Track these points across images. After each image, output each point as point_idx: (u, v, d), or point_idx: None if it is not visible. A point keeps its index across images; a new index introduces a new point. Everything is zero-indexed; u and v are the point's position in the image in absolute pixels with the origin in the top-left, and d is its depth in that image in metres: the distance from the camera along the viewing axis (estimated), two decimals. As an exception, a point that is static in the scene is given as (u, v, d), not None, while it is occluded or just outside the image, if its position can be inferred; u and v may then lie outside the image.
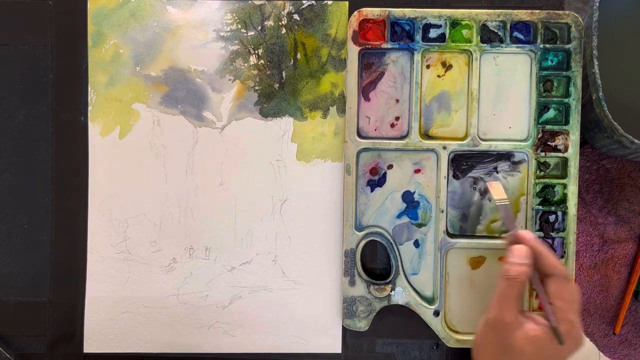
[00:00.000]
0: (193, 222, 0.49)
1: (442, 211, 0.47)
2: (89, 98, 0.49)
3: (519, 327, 0.40)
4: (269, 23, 0.48)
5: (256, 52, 0.48)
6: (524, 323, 0.40)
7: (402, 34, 0.47)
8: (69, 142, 0.49)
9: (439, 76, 0.48)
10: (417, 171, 0.48)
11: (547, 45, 0.47)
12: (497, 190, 0.45)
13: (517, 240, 0.42)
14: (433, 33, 0.47)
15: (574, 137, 0.47)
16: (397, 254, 0.48)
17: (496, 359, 0.41)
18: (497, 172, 0.48)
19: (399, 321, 0.49)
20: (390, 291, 0.48)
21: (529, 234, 0.42)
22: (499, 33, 0.47)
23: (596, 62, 0.43)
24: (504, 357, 0.40)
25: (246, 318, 0.49)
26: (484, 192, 0.48)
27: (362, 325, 0.48)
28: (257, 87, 0.49)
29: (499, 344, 0.40)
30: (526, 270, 0.41)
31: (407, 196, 0.48)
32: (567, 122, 0.47)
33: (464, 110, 0.48)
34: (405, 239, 0.48)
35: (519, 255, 0.41)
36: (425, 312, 0.48)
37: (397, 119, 0.48)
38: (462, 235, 0.48)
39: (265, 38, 0.48)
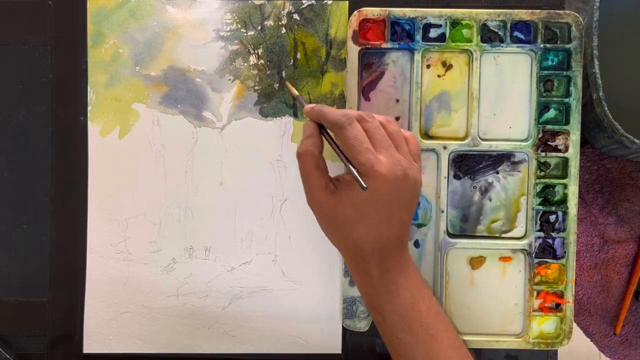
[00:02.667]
0: (193, 222, 0.49)
1: (443, 211, 0.47)
2: (89, 98, 0.48)
3: (332, 197, 0.38)
4: (269, 23, 0.48)
5: (256, 52, 0.48)
6: (335, 191, 0.38)
7: (402, 34, 0.47)
8: (69, 142, 0.49)
9: (439, 76, 0.48)
10: (417, 171, 0.48)
11: (548, 45, 0.47)
12: (291, 88, 0.46)
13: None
14: (433, 33, 0.47)
15: (575, 137, 0.47)
16: (397, 254, 0.48)
17: (335, 236, 0.40)
18: (498, 172, 0.48)
19: (399, 321, 0.49)
20: (390, 291, 0.48)
21: (308, 107, 0.40)
22: (499, 33, 0.47)
23: (596, 62, 0.43)
24: (338, 231, 0.39)
25: (246, 318, 0.49)
26: (484, 192, 0.48)
27: (362, 325, 0.48)
28: (257, 87, 0.48)
29: (327, 221, 0.39)
30: (311, 142, 0.39)
31: (407, 196, 0.48)
32: (567, 122, 0.47)
33: (464, 110, 0.48)
34: (406, 239, 0.48)
35: (304, 131, 0.40)
36: (426, 312, 0.47)
37: (397, 118, 0.48)
38: (462, 235, 0.48)
39: (265, 38, 0.48)
